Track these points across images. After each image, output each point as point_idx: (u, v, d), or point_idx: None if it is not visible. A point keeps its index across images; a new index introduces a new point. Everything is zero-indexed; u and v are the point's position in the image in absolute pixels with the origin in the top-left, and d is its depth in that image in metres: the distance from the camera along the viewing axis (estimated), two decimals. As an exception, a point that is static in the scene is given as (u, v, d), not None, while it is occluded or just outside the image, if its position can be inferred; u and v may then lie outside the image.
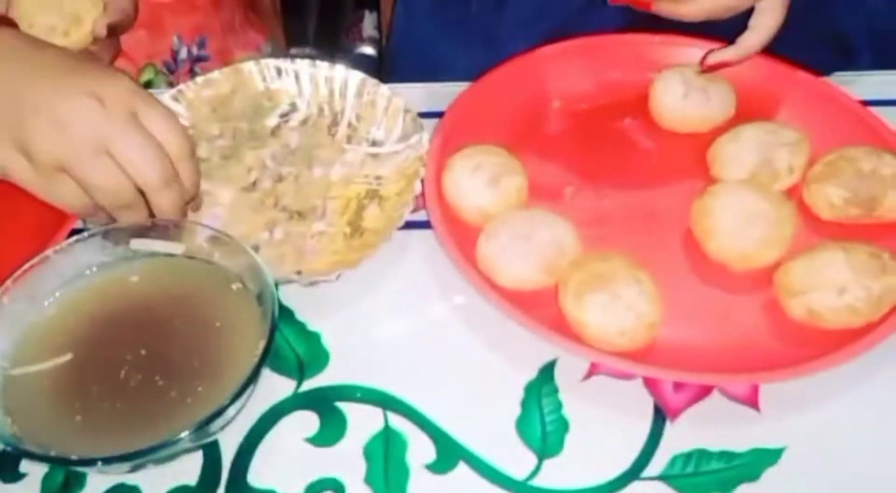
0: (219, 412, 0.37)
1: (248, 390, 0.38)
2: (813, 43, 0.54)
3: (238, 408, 0.39)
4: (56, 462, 0.38)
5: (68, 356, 0.39)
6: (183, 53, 0.69)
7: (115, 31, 0.50)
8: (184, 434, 0.36)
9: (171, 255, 0.43)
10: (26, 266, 0.41)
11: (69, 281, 0.42)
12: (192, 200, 0.45)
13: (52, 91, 0.41)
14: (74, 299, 0.41)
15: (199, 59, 0.70)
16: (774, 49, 0.52)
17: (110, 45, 0.51)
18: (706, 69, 0.52)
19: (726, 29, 0.52)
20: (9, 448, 0.36)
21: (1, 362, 0.39)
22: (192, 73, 0.69)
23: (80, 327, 0.40)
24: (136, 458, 0.36)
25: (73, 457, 0.36)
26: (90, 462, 0.36)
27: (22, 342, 0.40)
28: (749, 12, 0.50)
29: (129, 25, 0.51)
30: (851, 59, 0.59)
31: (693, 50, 0.55)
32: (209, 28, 0.71)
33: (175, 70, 0.68)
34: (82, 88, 0.41)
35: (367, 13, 1.14)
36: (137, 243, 0.43)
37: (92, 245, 0.43)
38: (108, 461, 0.35)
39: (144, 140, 0.42)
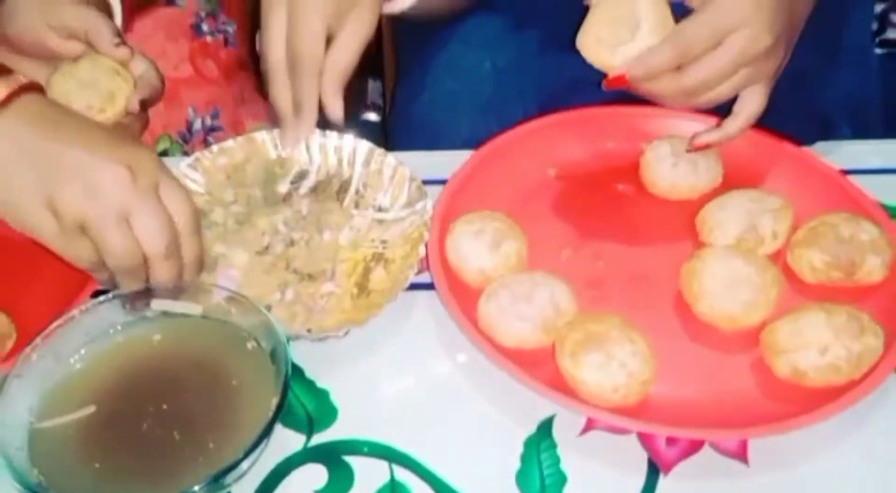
0: (232, 466, 0.39)
1: (262, 445, 0.40)
2: (794, 117, 0.58)
3: (251, 462, 0.41)
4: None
5: (92, 409, 0.41)
6: (197, 124, 0.72)
7: (145, 105, 0.53)
8: (197, 487, 0.38)
9: (190, 315, 0.46)
10: (53, 326, 0.44)
11: (93, 339, 0.44)
12: (197, 271, 0.48)
13: (87, 157, 0.44)
14: (99, 355, 0.44)
15: (212, 130, 0.73)
16: (758, 122, 0.55)
17: (140, 118, 0.54)
18: (693, 150, 0.55)
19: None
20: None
21: (28, 416, 0.41)
22: (206, 143, 0.72)
23: (104, 382, 0.43)
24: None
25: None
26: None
27: (48, 397, 0.42)
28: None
29: (157, 99, 0.55)
30: (830, 132, 0.63)
31: (681, 121, 0.58)
32: (221, 100, 0.75)
33: (189, 140, 0.72)
34: (115, 158, 0.44)
35: (370, 81, 1.19)
36: (158, 304, 0.46)
37: (115, 306, 0.46)
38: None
39: (160, 213, 0.45)
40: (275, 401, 0.41)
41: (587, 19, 0.51)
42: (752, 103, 0.51)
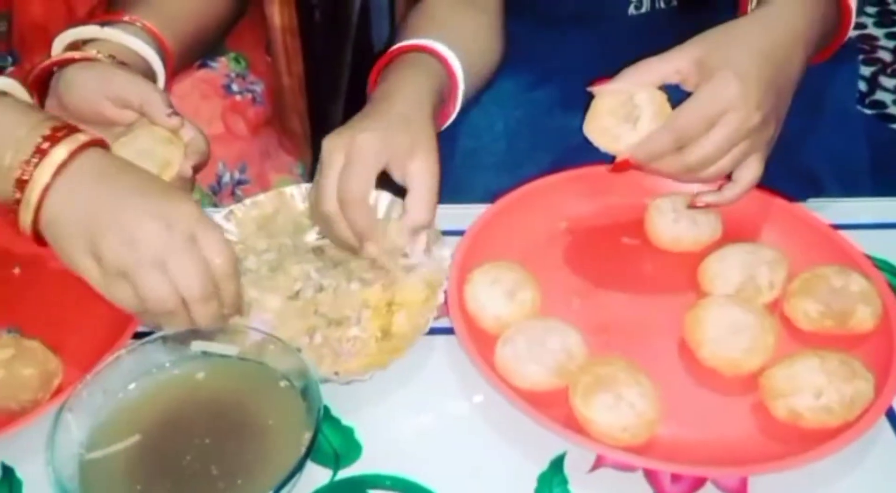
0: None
1: (295, 478, 0.43)
2: (786, 176, 0.62)
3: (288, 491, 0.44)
4: None
5: (137, 438, 0.45)
6: (226, 178, 0.77)
7: (196, 170, 0.58)
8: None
9: (227, 356, 0.49)
10: (102, 364, 0.47)
11: (139, 376, 0.48)
12: (235, 313, 0.52)
13: (128, 212, 0.49)
14: (144, 391, 0.47)
15: (239, 183, 0.78)
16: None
17: (190, 179, 0.59)
18: (693, 207, 0.59)
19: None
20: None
21: (78, 448, 0.44)
22: (234, 195, 0.76)
23: (149, 416, 0.46)
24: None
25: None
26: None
27: (97, 430, 0.45)
28: None
29: (204, 164, 0.59)
30: (820, 190, 0.66)
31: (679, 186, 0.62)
32: (248, 155, 0.79)
33: (219, 192, 0.76)
34: (153, 212, 0.49)
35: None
36: (198, 345, 0.49)
37: (158, 346, 0.49)
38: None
39: (194, 259, 0.49)
40: (307, 436, 0.44)
41: (591, 108, 0.56)
42: (749, 172, 0.55)
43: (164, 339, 0.49)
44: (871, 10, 1.09)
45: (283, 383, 0.48)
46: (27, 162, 0.50)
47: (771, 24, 0.55)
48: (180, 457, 0.44)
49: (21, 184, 0.50)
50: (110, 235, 0.48)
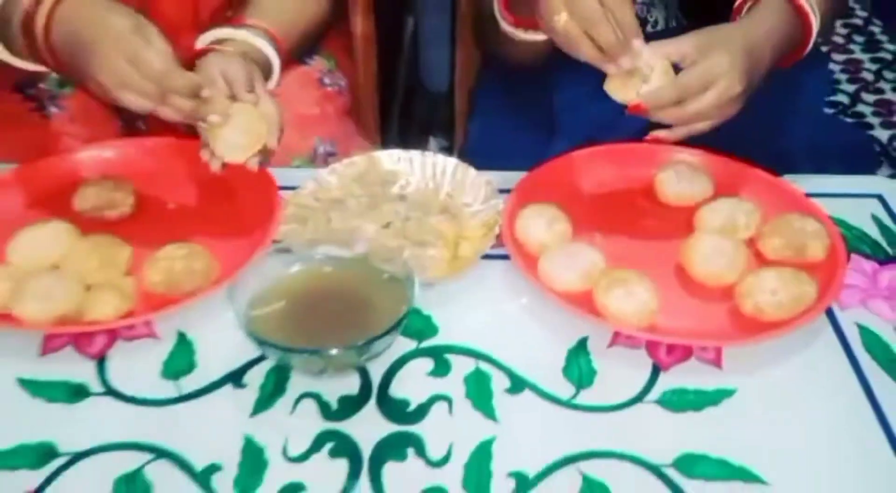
0: (378, 337, 0.59)
1: (393, 334, 0.61)
2: (767, 155, 0.79)
3: (386, 344, 0.62)
4: (282, 349, 0.60)
5: (283, 303, 0.63)
6: (321, 150, 0.95)
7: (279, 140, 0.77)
8: (360, 342, 0.59)
9: (344, 257, 0.68)
10: (251, 262, 0.66)
11: (279, 272, 0.66)
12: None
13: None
14: (285, 279, 0.65)
15: (330, 154, 0.96)
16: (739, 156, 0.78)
17: (272, 150, 0.77)
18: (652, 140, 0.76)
19: (706, 139, 0.77)
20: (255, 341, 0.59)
21: (246, 308, 0.62)
22: (326, 162, 0.95)
23: (290, 292, 0.64)
24: (325, 352, 0.59)
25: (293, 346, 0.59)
26: (301, 351, 0.59)
27: (255, 300, 0.63)
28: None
29: (282, 136, 0.78)
30: (793, 168, 0.83)
31: (679, 153, 0.80)
32: (337, 135, 0.98)
33: (315, 160, 0.95)
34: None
35: (432, 139, 1.43)
36: (322, 250, 0.68)
37: (294, 248, 0.68)
38: (311, 352, 0.59)
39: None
40: (405, 308, 0.62)
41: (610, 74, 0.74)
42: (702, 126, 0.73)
43: (295, 246, 0.68)
44: (859, 38, 1.28)
45: (385, 276, 0.66)
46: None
47: (751, 31, 0.74)
48: (314, 317, 0.63)
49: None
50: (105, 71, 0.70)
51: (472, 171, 0.80)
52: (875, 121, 1.11)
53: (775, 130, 0.86)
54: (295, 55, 0.94)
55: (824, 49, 1.26)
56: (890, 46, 1.26)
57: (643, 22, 0.96)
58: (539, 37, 0.79)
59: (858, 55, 1.25)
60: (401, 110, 1.33)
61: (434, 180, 0.81)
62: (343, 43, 1.05)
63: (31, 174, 0.80)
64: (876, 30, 1.30)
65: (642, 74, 0.71)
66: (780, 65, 0.78)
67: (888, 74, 1.19)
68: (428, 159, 0.82)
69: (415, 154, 0.83)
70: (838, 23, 1.32)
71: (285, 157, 0.90)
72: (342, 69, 1.03)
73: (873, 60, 1.23)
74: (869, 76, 1.19)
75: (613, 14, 0.68)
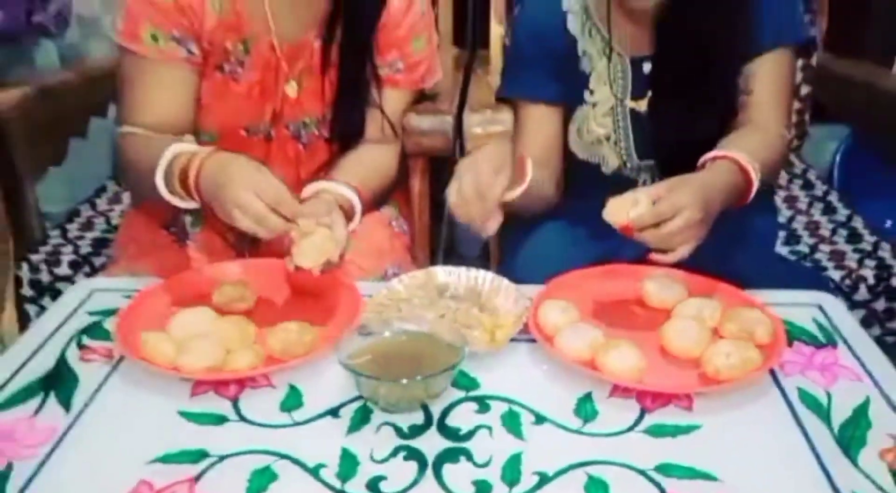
0: (438, 373, 0.84)
1: (449, 373, 0.85)
2: (726, 274, 1.05)
3: (444, 382, 0.86)
4: (372, 379, 0.84)
5: (369, 356, 0.88)
6: (390, 272, 1.23)
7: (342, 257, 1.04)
8: (425, 376, 0.83)
9: (417, 330, 0.93)
10: (347, 332, 0.91)
11: (367, 339, 0.91)
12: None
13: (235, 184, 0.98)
14: (371, 343, 0.90)
15: (395, 274, 1.24)
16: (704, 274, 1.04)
17: (337, 262, 1.04)
18: (650, 263, 1.02)
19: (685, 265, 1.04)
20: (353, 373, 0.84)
21: (345, 359, 0.87)
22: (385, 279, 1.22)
23: (377, 350, 0.89)
24: (401, 382, 0.82)
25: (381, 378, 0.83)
26: (385, 380, 0.83)
27: (351, 354, 0.88)
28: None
29: (343, 255, 1.04)
30: (748, 285, 1.08)
31: (664, 273, 1.07)
32: (401, 263, 1.26)
33: (385, 280, 1.22)
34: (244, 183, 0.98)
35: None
36: (399, 324, 0.93)
37: (375, 331, 0.93)
38: (392, 381, 0.83)
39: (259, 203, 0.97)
40: (457, 360, 0.86)
41: (608, 204, 1.01)
42: (684, 250, 0.99)
43: (374, 327, 0.93)
44: (819, 205, 1.58)
45: (443, 343, 0.91)
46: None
47: (706, 179, 1.03)
48: (392, 366, 0.87)
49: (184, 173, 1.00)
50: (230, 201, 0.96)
51: (504, 281, 1.07)
52: (830, 265, 1.38)
53: (730, 255, 1.12)
54: (371, 203, 1.24)
55: (783, 208, 1.56)
56: (844, 211, 1.55)
57: (635, 182, 1.26)
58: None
59: (818, 218, 1.54)
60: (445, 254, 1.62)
61: (476, 287, 1.08)
62: (406, 197, 1.36)
63: (179, 282, 1.08)
64: (832, 199, 1.61)
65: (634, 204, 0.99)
66: (732, 205, 1.06)
67: (841, 231, 1.48)
68: (472, 273, 1.09)
69: (462, 269, 1.10)
70: (803, 193, 1.63)
71: (364, 276, 1.18)
72: (404, 216, 1.34)
73: (830, 221, 1.52)
74: (826, 233, 1.47)
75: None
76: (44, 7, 1.86)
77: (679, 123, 1.19)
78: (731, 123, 1.19)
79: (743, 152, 1.07)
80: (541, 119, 1.27)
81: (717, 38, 1.17)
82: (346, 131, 1.26)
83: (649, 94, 1.23)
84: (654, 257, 1.01)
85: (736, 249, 1.14)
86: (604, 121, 1.25)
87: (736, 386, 0.88)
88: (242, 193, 0.97)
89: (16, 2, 1.80)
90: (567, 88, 1.25)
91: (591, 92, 1.25)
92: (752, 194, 1.08)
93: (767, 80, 1.20)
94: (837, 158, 2.08)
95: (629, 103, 1.24)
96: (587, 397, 0.89)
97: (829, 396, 0.89)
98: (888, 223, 1.99)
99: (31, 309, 1.42)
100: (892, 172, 1.87)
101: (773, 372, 0.92)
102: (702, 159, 1.09)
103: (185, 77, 1.19)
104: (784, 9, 1.22)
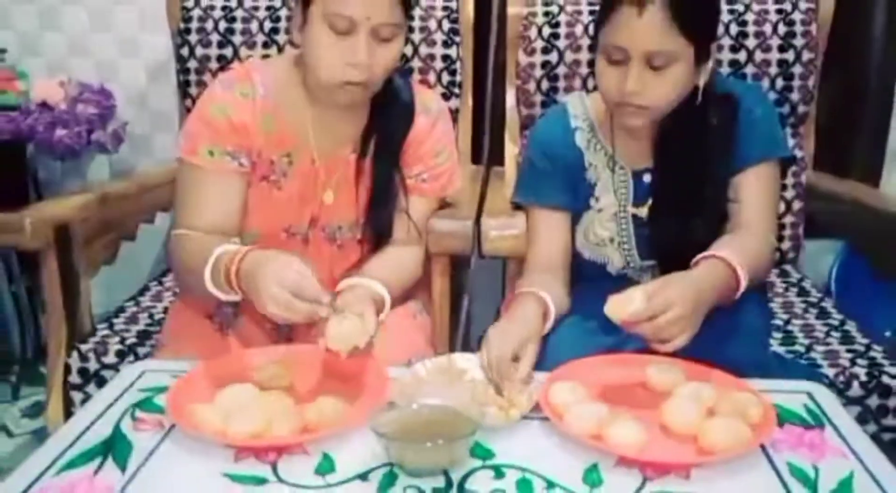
0: (458, 439, 0.93)
1: (468, 440, 0.95)
2: (721, 363, 1.15)
3: (463, 449, 0.95)
4: (399, 441, 0.93)
5: (397, 426, 0.97)
6: (413, 360, 1.33)
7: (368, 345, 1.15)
8: (447, 440, 0.92)
9: (441, 404, 1.03)
10: (377, 408, 1.02)
11: (399, 409, 1.01)
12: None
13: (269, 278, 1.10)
14: (401, 414, 1.00)
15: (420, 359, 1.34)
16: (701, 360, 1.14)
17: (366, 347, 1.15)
18: (655, 352, 1.13)
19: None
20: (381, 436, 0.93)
21: (375, 427, 0.97)
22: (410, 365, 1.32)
23: (402, 420, 0.99)
24: (425, 445, 0.92)
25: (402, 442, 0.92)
26: (410, 442, 0.92)
27: (381, 424, 0.98)
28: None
29: (371, 343, 1.14)
30: (741, 373, 1.18)
31: (664, 360, 1.17)
32: (424, 353, 1.36)
33: (411, 365, 1.32)
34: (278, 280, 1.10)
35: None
36: (427, 399, 1.03)
37: (401, 406, 1.03)
38: (417, 444, 0.92)
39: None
40: (474, 429, 0.96)
41: (608, 302, 1.13)
42: (680, 341, 1.10)
43: (400, 402, 1.03)
44: (813, 310, 1.69)
45: (464, 417, 1.01)
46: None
47: (696, 277, 1.15)
48: (418, 434, 0.97)
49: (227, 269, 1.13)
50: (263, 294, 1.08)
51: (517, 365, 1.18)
52: (824, 363, 1.47)
53: (734, 361, 1.21)
54: (398, 298, 1.37)
55: (780, 312, 1.67)
56: (837, 316, 1.66)
57: (638, 280, 1.38)
58: None
59: (813, 321, 1.65)
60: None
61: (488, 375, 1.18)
62: (428, 293, 1.48)
63: (224, 362, 1.19)
64: (827, 305, 1.72)
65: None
66: (722, 300, 1.17)
67: (834, 334, 1.58)
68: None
69: (470, 355, 1.21)
70: (799, 300, 1.74)
71: (391, 362, 1.28)
72: (428, 311, 1.45)
73: (824, 325, 1.63)
74: (820, 335, 1.57)
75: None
76: (103, 126, 2.07)
77: (677, 228, 1.32)
78: (723, 228, 1.33)
79: (732, 253, 1.20)
80: (550, 224, 1.40)
81: (708, 154, 1.32)
82: (377, 234, 1.41)
83: (650, 201, 1.37)
84: (654, 346, 1.12)
85: (732, 344, 1.24)
86: (608, 225, 1.39)
87: (730, 459, 0.96)
88: (271, 287, 1.10)
89: (79, 122, 2.00)
90: (575, 196, 1.39)
91: (597, 199, 1.39)
92: (741, 291, 1.20)
93: (754, 190, 1.34)
94: (834, 271, 2.19)
95: (631, 209, 1.38)
96: (594, 467, 0.97)
97: (816, 469, 0.97)
98: (888, 333, 2.08)
99: (76, 396, 1.52)
100: (885, 284, 1.98)
101: (764, 449, 1.01)
102: (695, 260, 1.21)
103: (235, 186, 1.34)
104: (767, 128, 1.37)
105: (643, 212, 1.38)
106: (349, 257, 1.43)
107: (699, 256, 1.21)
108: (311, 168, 1.38)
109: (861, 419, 1.43)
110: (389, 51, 1.27)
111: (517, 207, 1.49)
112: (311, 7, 1.24)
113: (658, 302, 1.09)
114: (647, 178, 1.38)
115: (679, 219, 1.33)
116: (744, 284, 1.20)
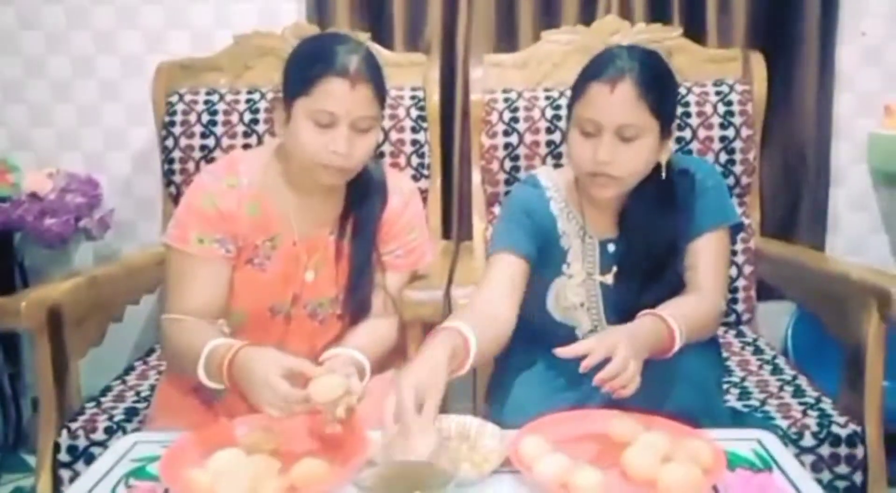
0: (437, 487, 1.01)
1: (446, 491, 1.02)
2: (674, 414, 1.25)
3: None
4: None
5: (378, 480, 1.05)
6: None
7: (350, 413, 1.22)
8: (425, 491, 1.00)
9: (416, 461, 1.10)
10: (357, 468, 1.09)
11: (378, 466, 1.09)
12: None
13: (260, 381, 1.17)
14: (380, 470, 1.08)
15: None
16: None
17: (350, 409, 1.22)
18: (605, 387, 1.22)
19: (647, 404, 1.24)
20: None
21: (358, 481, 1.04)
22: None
23: (384, 476, 1.06)
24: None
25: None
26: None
27: (361, 479, 1.05)
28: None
29: (351, 406, 1.22)
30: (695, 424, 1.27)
31: (623, 415, 1.26)
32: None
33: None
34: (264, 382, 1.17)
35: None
36: (401, 457, 1.11)
37: (381, 461, 1.11)
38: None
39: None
40: (450, 481, 1.04)
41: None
42: (635, 384, 1.19)
43: (378, 458, 1.11)
44: (767, 367, 1.80)
45: (440, 470, 1.08)
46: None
47: (633, 327, 1.26)
48: (397, 487, 1.04)
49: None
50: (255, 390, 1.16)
51: (489, 424, 1.26)
52: (777, 415, 1.57)
53: (692, 416, 1.30)
54: (377, 366, 1.45)
55: (737, 370, 1.78)
56: (790, 372, 1.76)
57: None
58: None
59: (767, 377, 1.75)
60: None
61: (464, 431, 1.26)
62: (404, 361, 1.57)
63: (213, 430, 1.26)
64: (780, 362, 1.83)
65: None
66: (658, 350, 1.27)
67: (787, 388, 1.69)
68: (460, 419, 1.28)
69: (452, 416, 1.29)
70: (755, 358, 1.85)
71: (371, 426, 1.36)
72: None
73: (778, 380, 1.74)
74: (774, 389, 1.68)
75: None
76: (90, 214, 2.17)
77: (639, 293, 1.42)
78: (680, 291, 1.43)
79: (671, 313, 1.30)
80: (508, 264, 1.43)
81: (668, 225, 1.44)
82: (355, 309, 1.50)
83: (615, 269, 1.48)
84: (615, 391, 1.20)
85: (685, 396, 1.34)
86: (578, 290, 1.48)
87: (686, 500, 1.05)
88: (259, 390, 1.19)
89: (68, 210, 2.10)
90: (549, 261, 1.48)
91: (569, 265, 1.49)
92: (676, 348, 1.29)
93: (706, 255, 1.45)
94: (789, 332, 2.31)
95: (598, 277, 1.49)
96: (566, 513, 1.06)
97: (764, 508, 1.06)
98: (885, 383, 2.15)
99: (65, 474, 1.57)
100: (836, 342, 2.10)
101: (717, 491, 1.09)
102: (637, 315, 1.32)
103: (222, 272, 1.43)
104: (718, 198, 1.49)
105: (609, 279, 1.47)
106: (329, 332, 1.52)
107: (641, 312, 1.32)
108: (292, 249, 1.48)
109: (815, 468, 1.52)
110: (367, 140, 1.39)
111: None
112: (295, 105, 1.36)
113: (601, 347, 1.17)
114: (611, 247, 1.48)
115: (640, 285, 1.43)
116: (678, 342, 1.29)
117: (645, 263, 1.44)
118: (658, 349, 1.28)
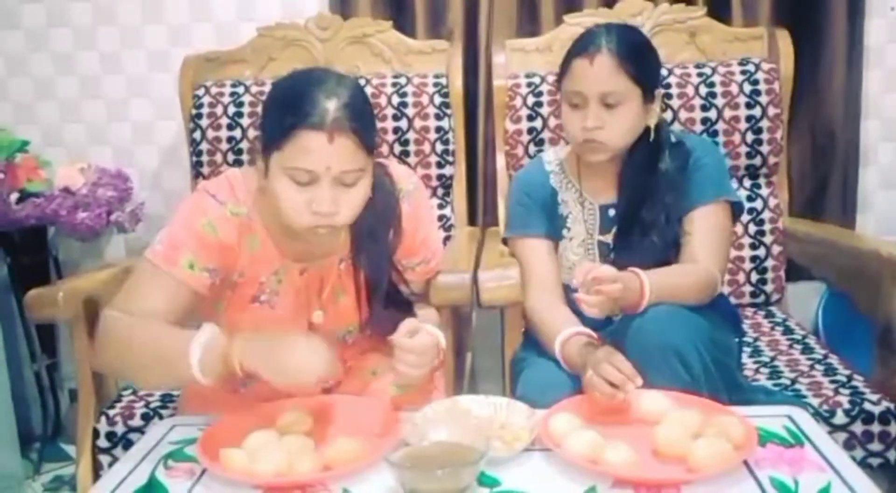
0: (466, 465, 1.02)
1: (475, 466, 1.03)
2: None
3: (470, 477, 1.03)
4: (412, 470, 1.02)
5: (410, 459, 1.06)
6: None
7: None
8: (454, 468, 1.01)
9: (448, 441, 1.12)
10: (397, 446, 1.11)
11: (411, 445, 1.11)
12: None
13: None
14: (412, 448, 1.10)
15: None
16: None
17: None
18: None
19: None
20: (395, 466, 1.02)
21: (391, 459, 1.06)
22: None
23: (416, 455, 1.08)
24: (435, 472, 1.01)
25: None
26: (422, 469, 1.01)
27: (395, 458, 1.07)
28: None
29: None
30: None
31: (653, 392, 1.26)
32: (431, 399, 1.46)
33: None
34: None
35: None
36: (434, 435, 1.12)
37: (411, 442, 1.12)
38: (428, 472, 1.01)
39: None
40: (482, 458, 1.05)
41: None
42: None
43: (411, 440, 1.13)
44: (798, 346, 1.79)
45: (471, 449, 1.10)
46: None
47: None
48: (429, 465, 1.05)
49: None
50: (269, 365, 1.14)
51: (518, 403, 1.27)
52: (809, 394, 1.56)
53: (723, 396, 1.32)
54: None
55: (766, 350, 1.78)
56: (821, 351, 1.75)
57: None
58: None
59: (797, 356, 1.74)
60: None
61: (495, 409, 1.27)
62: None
63: (249, 412, 1.28)
64: (810, 342, 1.82)
65: None
66: (628, 301, 1.34)
67: (818, 367, 1.68)
68: (490, 399, 1.29)
69: (481, 397, 1.30)
70: (784, 338, 1.84)
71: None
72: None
73: (808, 359, 1.73)
74: (805, 368, 1.67)
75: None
76: (121, 208, 2.21)
77: (637, 253, 1.49)
78: (678, 258, 1.50)
79: (649, 275, 1.37)
80: (539, 250, 1.58)
81: (662, 191, 1.50)
82: (383, 331, 1.30)
83: (615, 229, 1.55)
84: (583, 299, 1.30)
85: (721, 381, 1.35)
86: (578, 250, 1.58)
87: (716, 476, 1.05)
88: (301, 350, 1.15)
89: (100, 204, 2.14)
90: (551, 227, 1.59)
91: (568, 229, 1.59)
92: (644, 304, 1.35)
93: (701, 226, 1.50)
94: (820, 312, 2.29)
95: (598, 237, 1.57)
96: (592, 490, 1.06)
97: (796, 482, 1.06)
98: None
99: (104, 459, 1.61)
100: (868, 321, 2.08)
101: (749, 466, 1.09)
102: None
103: (192, 298, 1.27)
104: (715, 174, 1.54)
105: (609, 239, 1.57)
106: (356, 346, 1.47)
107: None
108: (300, 280, 1.36)
109: (848, 446, 1.51)
110: (356, 193, 1.23)
111: (509, 249, 1.65)
112: (271, 159, 1.21)
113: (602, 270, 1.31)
114: (611, 212, 1.56)
115: (639, 245, 1.50)
116: (646, 299, 1.35)
117: (642, 225, 1.50)
118: (626, 303, 1.35)
